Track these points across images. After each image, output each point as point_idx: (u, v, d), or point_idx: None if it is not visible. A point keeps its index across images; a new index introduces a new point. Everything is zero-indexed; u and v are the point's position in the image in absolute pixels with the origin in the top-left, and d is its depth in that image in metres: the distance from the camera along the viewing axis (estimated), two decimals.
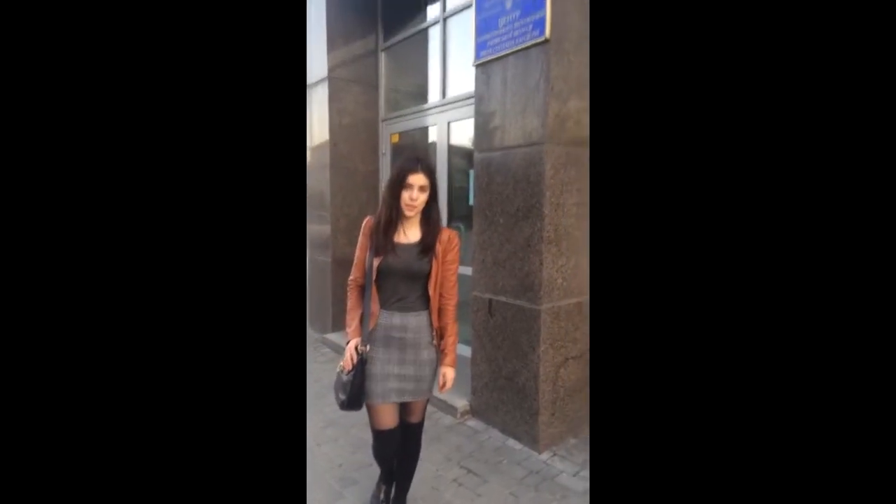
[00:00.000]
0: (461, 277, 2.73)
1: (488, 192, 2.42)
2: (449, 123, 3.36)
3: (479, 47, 2.38)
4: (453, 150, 3.38)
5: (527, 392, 2.29)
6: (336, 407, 1.55)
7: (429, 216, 1.49)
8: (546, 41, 2.07)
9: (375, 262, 1.47)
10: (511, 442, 2.35)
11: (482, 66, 2.39)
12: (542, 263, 2.18)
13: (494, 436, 2.41)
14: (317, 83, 3.90)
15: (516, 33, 2.19)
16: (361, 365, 1.49)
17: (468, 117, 2.91)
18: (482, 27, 2.36)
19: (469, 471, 2.10)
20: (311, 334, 4.07)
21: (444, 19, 3.39)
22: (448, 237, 1.51)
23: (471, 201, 2.63)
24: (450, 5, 3.37)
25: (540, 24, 2.08)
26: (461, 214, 3.36)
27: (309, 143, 4.08)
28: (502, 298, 2.38)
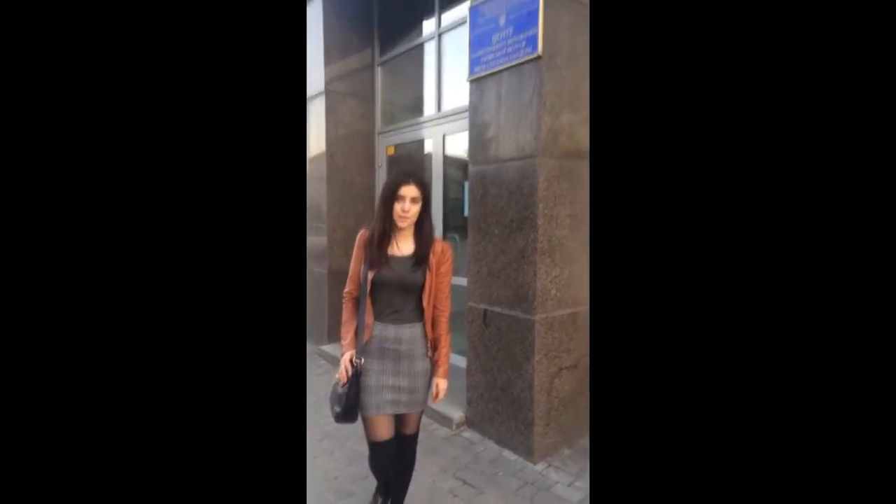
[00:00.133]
0: (456, 288, 2.75)
1: (483, 204, 2.45)
2: (444, 136, 3.41)
3: (474, 63, 2.43)
4: (449, 162, 3.42)
5: (521, 403, 2.30)
6: (332, 419, 1.55)
7: (421, 228, 1.51)
8: (539, 57, 2.12)
9: (370, 275, 1.48)
10: (506, 453, 2.35)
11: (476, 82, 2.44)
12: (535, 274, 2.21)
13: (490, 447, 2.42)
14: (314, 96, 3.95)
15: (509, 49, 2.24)
16: (356, 377, 1.50)
17: (463, 130, 2.96)
18: (476, 43, 2.41)
19: (465, 482, 2.10)
20: (308, 346, 4.07)
21: (440, 35, 3.46)
22: (441, 249, 1.53)
23: (466, 212, 2.66)
24: (445, 21, 3.44)
25: (532, 40, 2.13)
26: (456, 225, 3.39)
27: (307, 156, 4.12)
28: (497, 309, 2.40)
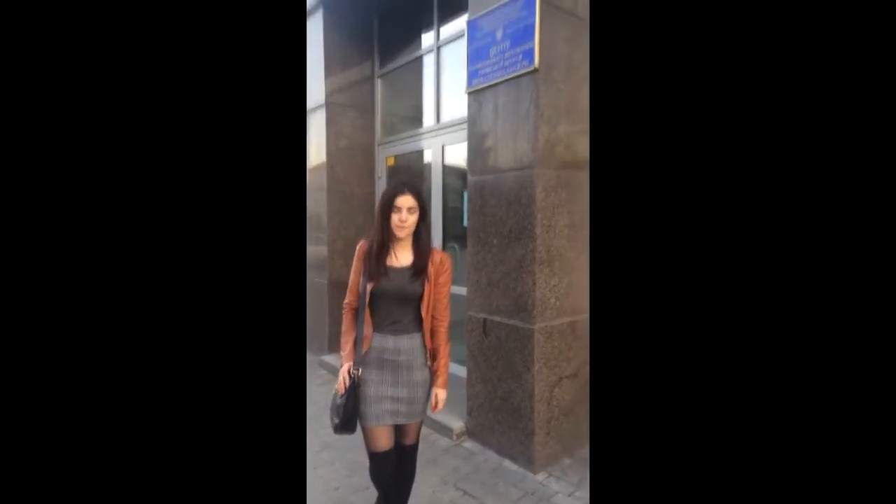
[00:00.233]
0: (457, 297, 2.77)
1: (482, 214, 2.47)
2: (443, 147, 3.45)
3: (472, 76, 2.47)
4: (448, 172, 3.45)
5: (522, 412, 2.31)
6: (332, 430, 1.56)
7: (419, 238, 1.52)
8: (535, 70, 2.16)
9: (369, 287, 1.50)
10: (507, 463, 2.35)
11: (474, 94, 2.48)
12: (534, 283, 2.22)
13: (490, 457, 2.41)
14: (315, 109, 4.00)
15: (507, 63, 2.28)
16: (354, 388, 1.51)
17: (462, 141, 3.00)
18: (474, 57, 2.45)
19: (465, 493, 2.10)
20: (308, 356, 4.06)
21: (438, 48, 3.51)
22: (440, 259, 1.54)
23: (465, 222, 2.69)
24: (443, 34, 3.49)
25: (529, 54, 2.17)
26: (456, 234, 3.41)
27: (307, 167, 4.16)
28: (497, 318, 2.42)
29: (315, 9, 3.92)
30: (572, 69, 2.30)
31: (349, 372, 1.52)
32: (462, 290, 2.65)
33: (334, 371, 3.57)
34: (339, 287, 3.75)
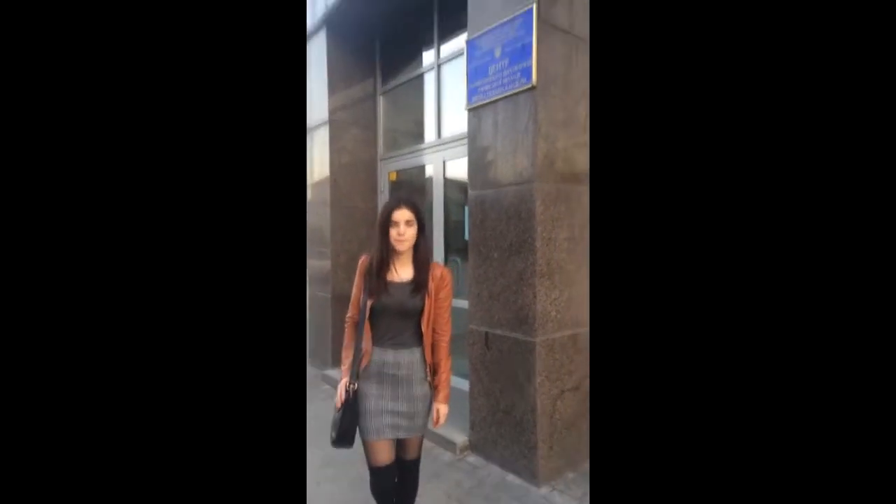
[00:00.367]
0: (459, 311, 2.78)
1: (482, 228, 2.50)
2: (444, 162, 3.50)
3: (471, 93, 2.53)
4: (450, 187, 3.49)
5: (524, 425, 2.30)
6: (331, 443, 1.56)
7: (419, 253, 1.54)
8: (533, 87, 2.21)
9: (369, 302, 1.51)
10: (510, 477, 2.34)
11: (474, 111, 2.53)
12: (535, 296, 2.24)
13: (494, 471, 2.40)
14: (318, 125, 4.07)
15: (505, 80, 2.33)
16: (350, 402, 1.52)
17: (463, 156, 3.04)
18: (473, 74, 2.51)
19: None
20: (311, 370, 4.07)
21: (439, 65, 3.58)
22: (441, 274, 1.55)
23: (466, 236, 2.72)
24: (444, 53, 3.57)
25: (527, 72, 2.22)
26: (457, 248, 3.44)
27: (310, 182, 4.22)
28: (498, 331, 2.43)
29: (318, 29, 4.02)
30: (569, 86, 2.35)
31: (346, 386, 1.53)
32: (464, 304, 2.67)
33: (337, 385, 3.57)
34: (342, 301, 3.77)
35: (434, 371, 1.59)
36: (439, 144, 3.55)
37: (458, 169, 3.40)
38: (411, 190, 3.92)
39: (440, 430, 2.61)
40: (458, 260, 3.43)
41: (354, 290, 1.60)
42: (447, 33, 3.53)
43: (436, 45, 3.61)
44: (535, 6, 2.18)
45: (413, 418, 1.54)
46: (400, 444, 1.60)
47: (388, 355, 1.53)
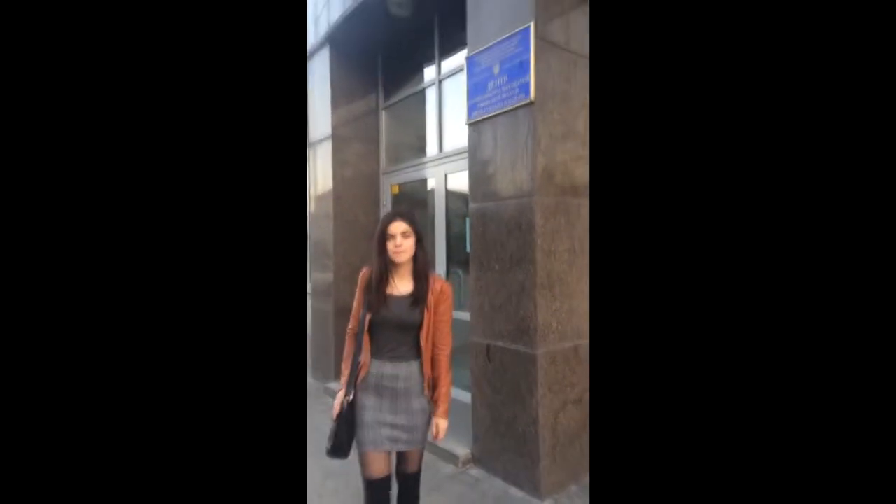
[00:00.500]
0: (461, 323, 2.79)
1: (483, 241, 2.53)
2: (446, 175, 3.54)
3: (471, 108, 2.58)
4: (453, 200, 3.53)
5: (527, 438, 2.30)
6: (334, 459, 1.56)
7: (418, 266, 1.54)
8: (531, 102, 2.25)
9: (368, 315, 1.53)
10: (513, 490, 2.32)
11: (474, 125, 2.57)
12: (536, 308, 2.25)
13: (496, 484, 2.39)
14: (321, 140, 4.13)
15: (504, 96, 2.38)
16: (345, 414, 1.52)
17: (464, 169, 3.08)
18: (473, 90, 2.56)
19: None
20: (313, 383, 4.07)
21: (440, 81, 3.65)
22: (441, 288, 1.55)
23: (468, 248, 2.75)
24: (444, 69, 3.64)
25: (525, 87, 2.27)
26: (459, 260, 3.46)
27: (313, 195, 4.27)
28: (500, 343, 2.44)
29: (321, 46, 4.11)
30: (567, 100, 2.39)
31: (342, 398, 1.54)
32: (466, 316, 2.68)
33: None
34: (344, 314, 3.77)
35: (434, 385, 1.58)
36: (441, 158, 3.60)
37: (460, 182, 3.44)
38: (413, 203, 3.96)
39: (442, 443, 2.61)
40: (461, 272, 3.45)
41: (355, 303, 1.62)
42: (448, 50, 3.60)
43: (437, 61, 3.68)
44: (532, 24, 2.24)
45: (412, 431, 1.54)
46: (400, 457, 1.60)
47: (387, 368, 1.54)
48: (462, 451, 2.60)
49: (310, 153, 4.32)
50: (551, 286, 2.31)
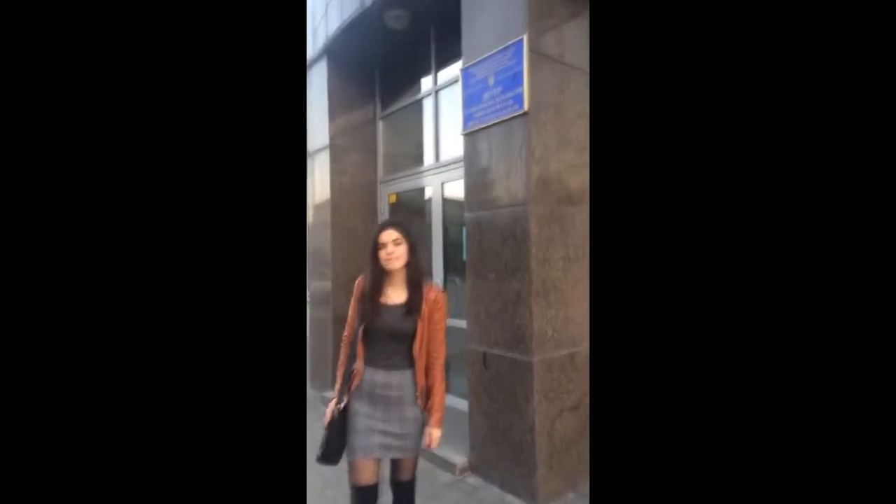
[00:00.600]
0: (458, 331, 2.81)
1: (479, 249, 2.55)
2: (443, 184, 3.58)
3: (467, 118, 2.61)
4: (450, 208, 3.56)
5: (523, 446, 2.31)
6: (335, 468, 1.56)
7: (412, 274, 1.56)
8: (525, 113, 2.29)
9: (362, 324, 1.55)
10: (510, 498, 2.33)
11: (470, 135, 2.61)
12: (531, 316, 2.27)
13: (493, 492, 2.39)
14: (319, 150, 4.17)
15: (499, 106, 2.42)
16: (335, 422, 1.53)
17: (461, 178, 3.11)
18: (468, 101, 2.60)
19: None
20: (310, 392, 4.07)
21: (436, 91, 3.70)
22: (435, 297, 1.57)
23: (465, 256, 2.78)
24: (441, 79, 3.69)
25: (519, 98, 2.31)
26: (457, 268, 3.48)
27: (311, 205, 4.30)
28: (496, 351, 2.45)
29: (319, 58, 4.16)
30: (561, 111, 2.43)
31: (333, 406, 1.55)
32: (464, 324, 2.70)
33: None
34: (342, 322, 3.77)
35: (428, 394, 1.59)
36: (437, 167, 3.63)
37: (457, 190, 3.48)
38: (410, 212, 3.99)
39: (439, 451, 2.61)
40: (458, 280, 3.47)
41: (350, 311, 1.64)
42: (444, 61, 3.65)
43: (433, 72, 3.73)
44: (525, 37, 2.28)
45: (404, 439, 1.54)
46: (393, 465, 1.60)
47: (380, 376, 1.54)
48: (459, 459, 2.61)
49: (308, 163, 4.36)
50: (546, 294, 2.33)
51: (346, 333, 1.65)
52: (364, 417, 1.53)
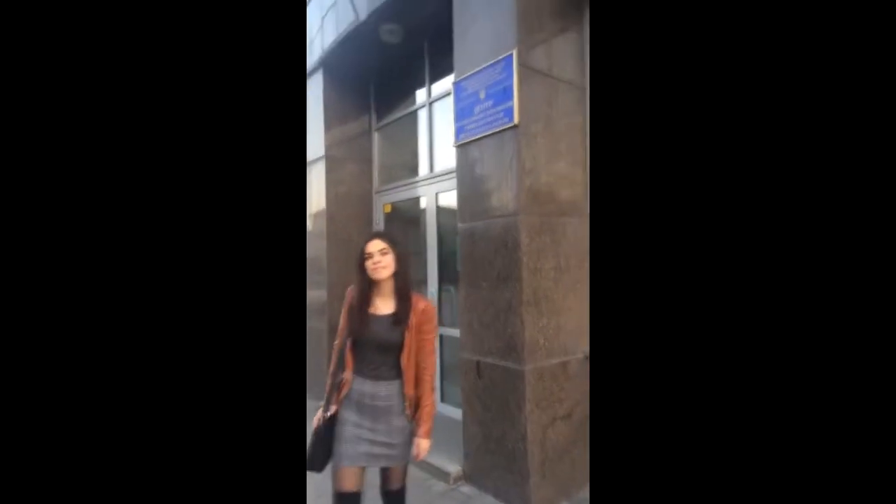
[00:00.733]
0: (454, 340, 2.83)
1: (472, 259, 2.59)
2: (437, 194, 3.62)
3: (458, 131, 2.66)
4: (444, 218, 3.60)
5: (516, 454, 2.32)
6: (328, 478, 1.57)
7: (398, 284, 1.57)
8: (515, 126, 2.34)
9: (351, 334, 1.57)
10: None
11: (461, 147, 2.66)
12: (523, 325, 2.30)
13: (487, 501, 2.40)
14: (315, 160, 4.22)
15: (490, 119, 2.47)
16: (321, 430, 1.55)
17: (454, 188, 3.16)
18: (460, 114, 2.66)
19: None
20: (308, 402, 4.07)
21: (430, 103, 3.76)
22: (423, 308, 1.58)
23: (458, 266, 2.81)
24: (434, 92, 3.75)
25: (509, 112, 2.36)
26: (451, 277, 3.51)
27: (308, 214, 4.33)
28: (489, 360, 2.48)
29: (315, 70, 4.22)
30: (550, 124, 2.48)
31: (320, 415, 1.57)
32: (458, 333, 2.73)
33: None
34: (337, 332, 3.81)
35: (416, 404, 1.59)
36: (432, 177, 3.68)
37: (452, 200, 3.52)
38: (406, 221, 4.03)
39: (433, 460, 2.63)
40: (453, 289, 3.50)
41: (341, 320, 1.66)
42: (437, 74, 3.71)
43: (427, 84, 3.79)
44: (514, 52, 2.34)
45: (392, 448, 1.55)
46: (383, 474, 1.62)
47: (368, 386, 1.56)
48: (453, 467, 2.62)
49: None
50: (537, 303, 2.36)
51: (336, 342, 1.66)
52: (352, 426, 1.55)
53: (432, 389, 1.62)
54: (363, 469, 1.55)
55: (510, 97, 2.36)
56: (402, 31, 3.56)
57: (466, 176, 2.64)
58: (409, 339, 1.55)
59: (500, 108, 2.42)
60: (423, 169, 3.88)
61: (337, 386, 1.59)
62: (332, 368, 1.65)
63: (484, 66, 2.51)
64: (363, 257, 1.56)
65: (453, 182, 3.27)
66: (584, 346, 2.57)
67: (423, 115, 3.87)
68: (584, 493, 2.42)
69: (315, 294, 4.17)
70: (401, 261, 1.59)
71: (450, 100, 3.38)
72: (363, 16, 3.48)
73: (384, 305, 1.59)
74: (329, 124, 4.15)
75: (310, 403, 3.95)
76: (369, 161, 4.37)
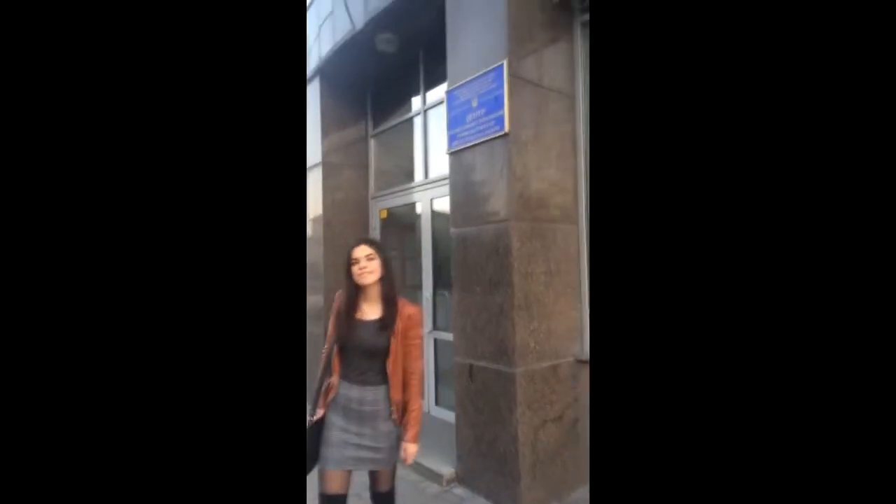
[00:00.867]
0: (449, 344, 2.86)
1: (465, 264, 2.63)
2: (432, 200, 3.67)
3: (451, 139, 2.72)
4: (439, 223, 3.65)
5: (507, 457, 2.36)
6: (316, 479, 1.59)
7: (385, 289, 1.59)
8: (506, 134, 2.40)
9: (338, 339, 1.59)
10: None
11: (454, 155, 2.71)
12: (514, 328, 2.35)
13: (479, 503, 2.43)
14: (312, 167, 4.28)
15: (481, 127, 2.53)
16: (307, 433, 1.56)
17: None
18: (453, 122, 2.71)
19: None
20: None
21: (425, 111, 3.82)
22: (409, 313, 1.60)
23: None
24: (429, 99, 3.81)
25: (500, 120, 2.42)
26: (446, 281, 3.56)
27: (306, 219, 4.39)
28: (482, 363, 2.52)
29: (313, 77, 4.29)
30: (540, 132, 2.54)
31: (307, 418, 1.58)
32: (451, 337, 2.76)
33: None
34: None
35: (404, 409, 1.61)
36: (427, 183, 3.73)
37: (447, 206, 3.56)
38: (402, 227, 4.08)
39: (427, 462, 2.66)
40: (447, 293, 3.54)
41: (330, 325, 1.69)
42: (432, 82, 3.78)
43: (422, 92, 3.85)
44: (505, 62, 2.40)
45: (378, 451, 1.57)
46: (371, 477, 1.64)
47: (354, 391, 1.57)
48: (446, 470, 2.65)
49: None
50: (528, 307, 2.41)
51: (325, 347, 1.69)
52: (338, 430, 1.56)
53: (419, 394, 1.64)
54: (349, 472, 1.57)
55: (501, 106, 2.41)
56: (398, 41, 3.62)
57: (459, 183, 2.69)
58: (396, 344, 1.57)
59: (491, 116, 2.47)
60: (418, 175, 3.93)
61: (324, 391, 1.61)
62: (319, 373, 1.68)
63: (476, 75, 2.57)
64: (350, 262, 1.59)
65: (447, 188, 3.33)
66: (574, 349, 2.61)
67: (418, 123, 3.93)
68: (575, 495, 2.46)
69: (312, 299, 4.21)
70: (387, 266, 1.61)
71: (444, 108, 3.45)
72: (359, 25, 3.55)
73: (371, 311, 1.61)
74: (326, 131, 4.21)
75: (308, 406, 3.98)
76: (366, 167, 4.43)
